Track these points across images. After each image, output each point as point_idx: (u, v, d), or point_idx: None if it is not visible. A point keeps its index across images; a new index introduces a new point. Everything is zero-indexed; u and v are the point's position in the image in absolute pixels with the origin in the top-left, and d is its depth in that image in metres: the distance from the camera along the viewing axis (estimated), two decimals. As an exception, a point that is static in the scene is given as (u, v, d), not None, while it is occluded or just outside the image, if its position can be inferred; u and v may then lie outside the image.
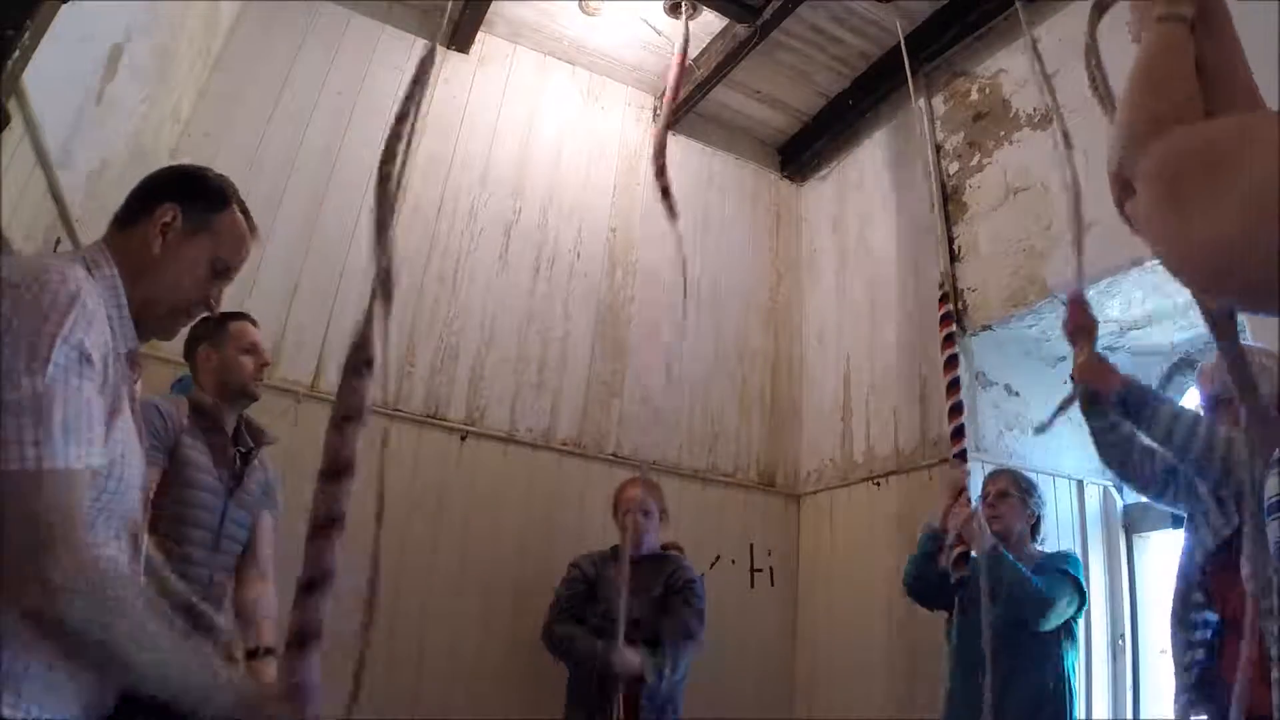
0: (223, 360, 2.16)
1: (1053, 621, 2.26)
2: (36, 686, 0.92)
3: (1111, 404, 2.10)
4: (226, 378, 2.15)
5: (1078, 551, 2.88)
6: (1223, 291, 0.64)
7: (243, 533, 2.14)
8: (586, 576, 2.84)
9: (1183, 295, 2.77)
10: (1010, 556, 2.31)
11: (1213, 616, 1.78)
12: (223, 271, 1.23)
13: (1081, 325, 2.25)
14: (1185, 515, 2.01)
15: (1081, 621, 2.41)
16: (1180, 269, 0.60)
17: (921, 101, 3.75)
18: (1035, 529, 2.53)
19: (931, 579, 2.51)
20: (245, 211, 1.28)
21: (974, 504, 2.56)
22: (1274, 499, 1.20)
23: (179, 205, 1.18)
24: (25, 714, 0.91)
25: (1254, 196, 0.51)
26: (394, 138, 1.37)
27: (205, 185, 1.25)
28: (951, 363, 2.91)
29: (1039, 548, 2.52)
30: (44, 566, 0.86)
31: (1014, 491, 2.51)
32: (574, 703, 2.72)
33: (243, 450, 2.17)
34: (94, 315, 0.98)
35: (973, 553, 2.45)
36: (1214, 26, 0.85)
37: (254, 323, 2.28)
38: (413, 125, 1.39)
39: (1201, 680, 1.78)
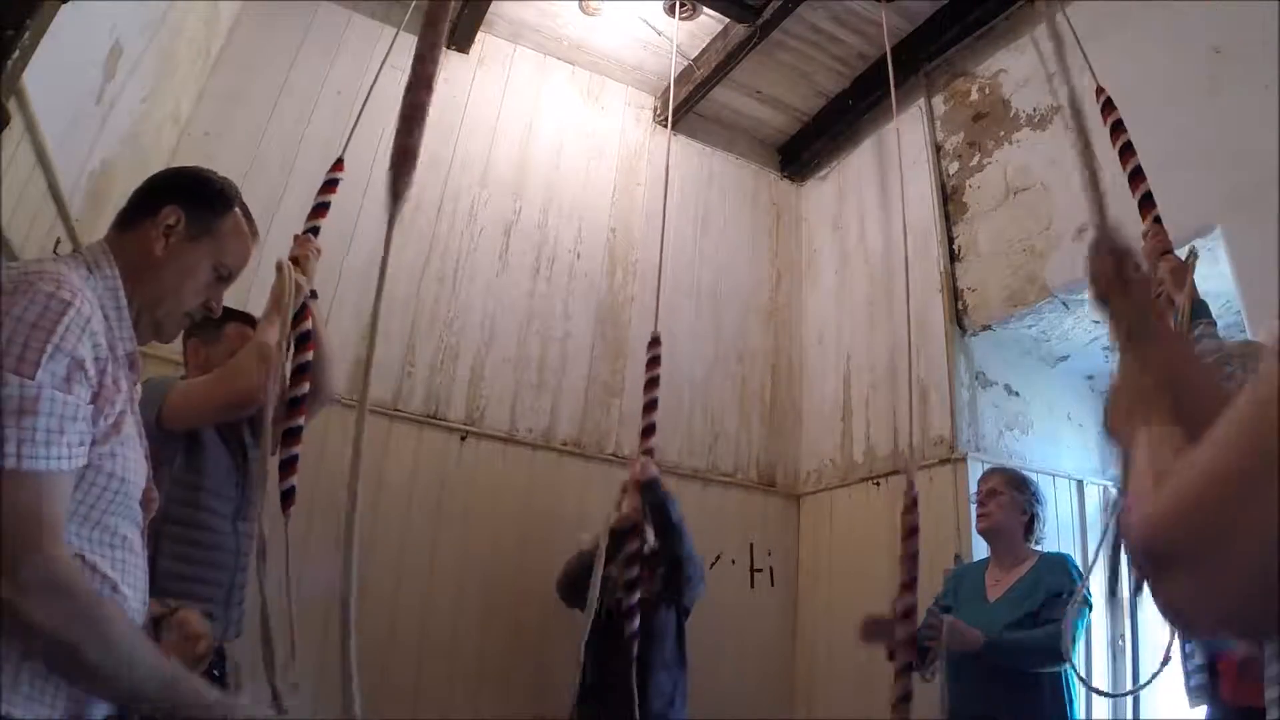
0: (209, 361, 2.06)
1: (1076, 650, 2.20)
2: (32, 688, 0.92)
3: None
4: None
5: (1077, 552, 2.88)
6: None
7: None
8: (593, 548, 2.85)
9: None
10: (1003, 639, 2.21)
11: None
12: (225, 275, 1.23)
13: None
14: None
15: (1082, 623, 2.40)
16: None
17: (921, 101, 3.75)
18: (1030, 526, 2.47)
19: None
20: (248, 215, 1.28)
21: (969, 510, 2.55)
22: None
23: (183, 208, 1.18)
24: (25, 714, 0.91)
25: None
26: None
27: (209, 188, 1.24)
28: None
29: (1035, 547, 2.48)
30: (15, 564, 0.86)
31: (1003, 489, 2.47)
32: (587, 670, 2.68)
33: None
34: (89, 321, 0.98)
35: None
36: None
37: (253, 325, 2.15)
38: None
39: (1204, 681, 1.80)
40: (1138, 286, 0.93)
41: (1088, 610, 2.30)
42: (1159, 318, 0.96)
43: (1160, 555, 0.54)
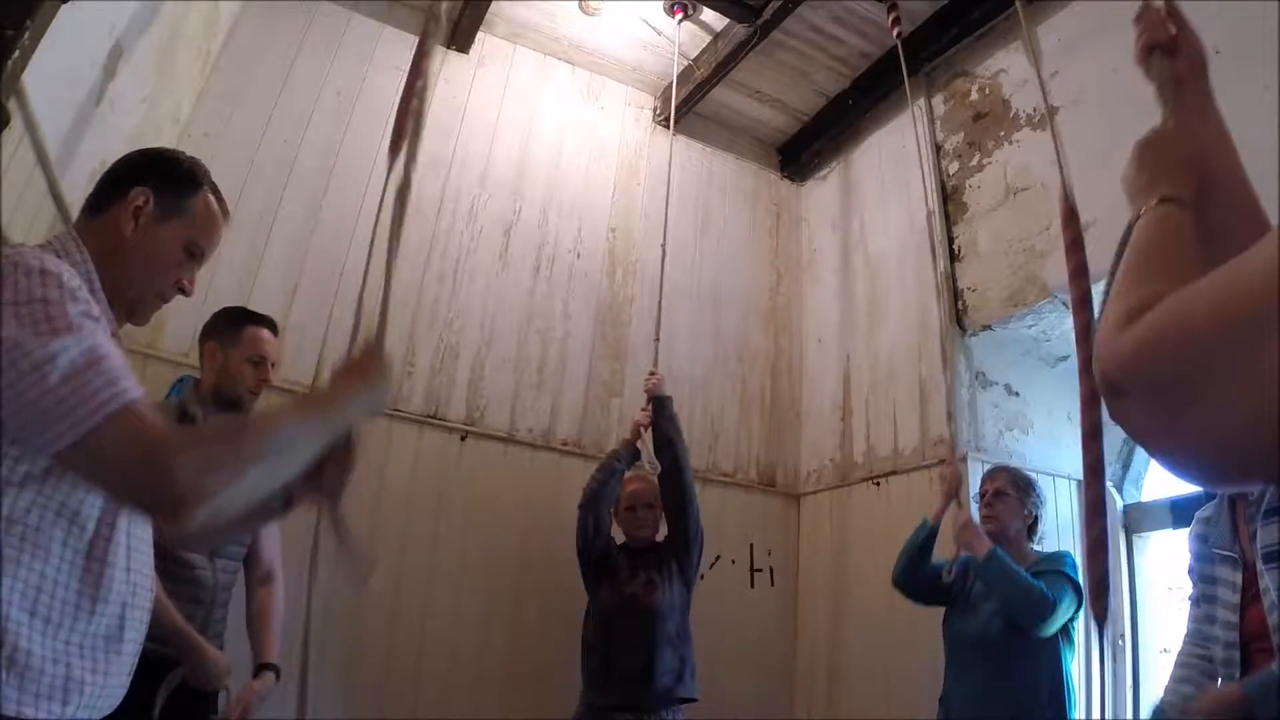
0: (225, 363, 2.09)
1: (1054, 626, 2.22)
2: (46, 685, 0.92)
3: None
4: (223, 382, 2.08)
5: (1078, 552, 2.88)
6: (1254, 476, 0.56)
7: (242, 536, 2.07)
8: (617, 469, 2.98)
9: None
10: (1009, 560, 2.29)
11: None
12: (196, 255, 1.23)
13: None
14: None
15: (1079, 623, 2.40)
16: (1202, 465, 0.52)
17: (921, 101, 3.75)
18: (1033, 528, 2.50)
19: (921, 574, 2.54)
20: (218, 194, 1.28)
21: (972, 509, 2.56)
22: (1271, 548, 1.21)
23: (151, 189, 1.18)
24: (38, 714, 0.91)
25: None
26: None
27: (177, 168, 1.24)
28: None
29: (1036, 548, 2.50)
30: (161, 491, 0.91)
31: (1011, 491, 2.48)
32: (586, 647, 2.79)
33: None
34: (79, 288, 0.99)
35: (963, 554, 2.46)
36: (1220, 188, 0.76)
37: (274, 329, 2.19)
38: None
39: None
40: (1187, 48, 0.88)
41: (1077, 607, 2.31)
42: (1202, 95, 0.88)
43: (1130, 386, 0.53)
